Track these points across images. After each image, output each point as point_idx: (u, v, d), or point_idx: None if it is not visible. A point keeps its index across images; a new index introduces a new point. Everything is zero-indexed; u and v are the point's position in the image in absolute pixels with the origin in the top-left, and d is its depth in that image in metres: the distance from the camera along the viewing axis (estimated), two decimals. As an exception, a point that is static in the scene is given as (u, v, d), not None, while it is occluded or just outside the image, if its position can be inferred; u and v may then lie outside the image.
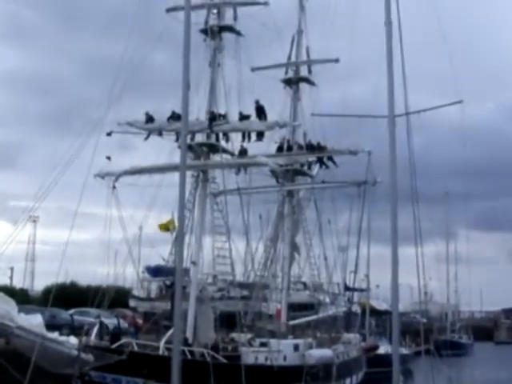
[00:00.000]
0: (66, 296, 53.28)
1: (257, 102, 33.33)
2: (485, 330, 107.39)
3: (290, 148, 39.62)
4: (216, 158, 32.14)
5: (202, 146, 32.31)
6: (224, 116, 32.05)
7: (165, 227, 35.43)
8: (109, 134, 30.19)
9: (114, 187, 30.25)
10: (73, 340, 19.08)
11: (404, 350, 49.72)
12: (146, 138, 32.84)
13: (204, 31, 32.19)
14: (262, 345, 31.01)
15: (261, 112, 33.30)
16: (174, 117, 30.63)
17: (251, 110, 33.08)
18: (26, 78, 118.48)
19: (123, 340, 26.38)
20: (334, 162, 39.25)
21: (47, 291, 55.07)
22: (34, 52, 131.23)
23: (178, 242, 19.67)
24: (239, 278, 36.19)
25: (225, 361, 27.20)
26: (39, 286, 76.28)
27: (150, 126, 32.44)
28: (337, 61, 38.12)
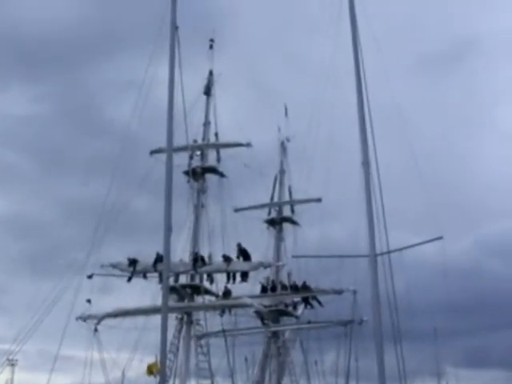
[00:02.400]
0: None
1: (239, 245, 33.09)
2: None
3: (274, 288, 39.30)
4: (200, 299, 31.84)
5: (186, 287, 32.08)
6: (208, 257, 31.99)
7: (149, 370, 34.55)
8: (90, 277, 29.70)
9: (96, 330, 29.83)
10: None
11: None
12: (129, 280, 32.52)
13: (187, 173, 32.50)
14: None
15: (243, 255, 33.10)
16: (158, 259, 30.41)
17: (234, 251, 32.98)
18: (5, 219, 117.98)
19: None
20: (319, 302, 38.75)
21: None
22: (13, 194, 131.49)
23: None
24: (225, 423, 35.04)
25: None
26: None
27: (133, 268, 32.23)
28: (319, 200, 38.16)
